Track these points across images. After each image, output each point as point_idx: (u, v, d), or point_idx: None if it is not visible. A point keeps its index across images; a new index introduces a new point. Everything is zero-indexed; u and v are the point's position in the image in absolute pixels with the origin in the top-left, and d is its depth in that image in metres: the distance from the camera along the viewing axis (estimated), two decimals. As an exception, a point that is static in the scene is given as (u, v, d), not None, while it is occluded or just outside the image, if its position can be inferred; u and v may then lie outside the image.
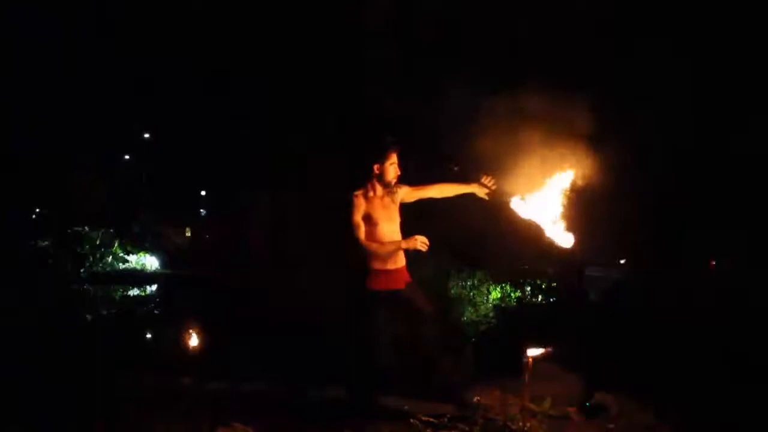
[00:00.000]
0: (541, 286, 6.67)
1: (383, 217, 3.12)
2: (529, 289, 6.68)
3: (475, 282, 6.72)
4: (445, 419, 2.87)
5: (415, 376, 3.15)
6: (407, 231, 3.19)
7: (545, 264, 6.80)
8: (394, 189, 3.16)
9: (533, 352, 2.82)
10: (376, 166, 3.08)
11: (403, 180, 3.19)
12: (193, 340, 3.28)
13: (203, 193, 12.56)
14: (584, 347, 3.82)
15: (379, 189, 3.13)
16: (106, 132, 10.75)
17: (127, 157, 12.86)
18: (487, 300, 6.44)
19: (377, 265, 3.12)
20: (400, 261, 3.18)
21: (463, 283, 6.75)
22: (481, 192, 3.20)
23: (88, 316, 6.22)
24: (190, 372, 3.24)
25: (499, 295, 6.55)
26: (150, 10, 8.62)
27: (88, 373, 3.45)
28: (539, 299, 6.54)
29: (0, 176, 9.46)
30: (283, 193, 8.36)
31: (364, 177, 3.12)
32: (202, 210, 12.65)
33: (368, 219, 3.12)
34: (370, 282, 3.11)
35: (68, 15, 8.72)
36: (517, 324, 5.67)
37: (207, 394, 3.15)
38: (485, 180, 3.17)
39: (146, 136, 12.68)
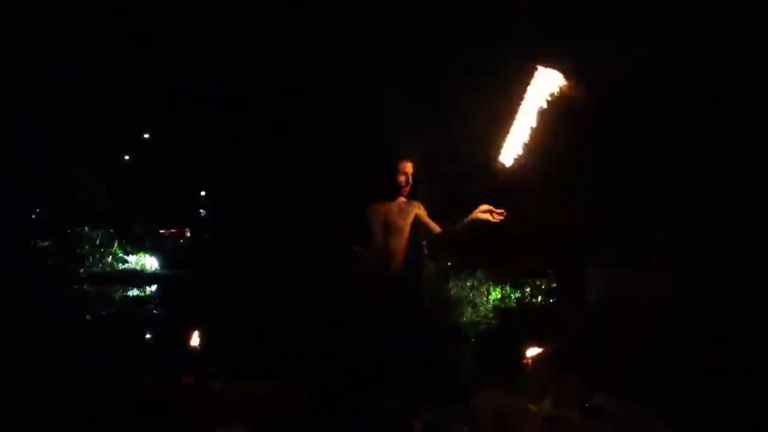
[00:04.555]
0: (541, 287, 6.67)
1: (381, 225, 3.18)
2: (528, 290, 6.68)
3: (475, 283, 6.72)
4: (445, 420, 2.87)
5: (416, 377, 3.15)
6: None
7: (545, 264, 6.80)
8: (408, 203, 3.22)
9: (533, 352, 2.83)
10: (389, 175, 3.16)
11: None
12: (193, 340, 3.28)
13: (203, 193, 12.56)
14: (584, 347, 3.83)
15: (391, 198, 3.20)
16: (106, 132, 10.75)
17: (127, 157, 12.85)
18: (487, 301, 6.44)
19: (377, 269, 3.16)
20: (399, 265, 3.22)
21: (463, 284, 6.75)
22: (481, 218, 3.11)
23: (88, 316, 6.22)
24: (190, 372, 3.24)
25: (498, 296, 6.55)
26: (150, 9, 8.63)
27: (88, 373, 3.45)
28: (539, 300, 6.54)
29: (0, 176, 9.47)
30: (284, 193, 8.37)
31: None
32: (202, 210, 12.65)
33: (369, 226, 3.17)
34: (367, 283, 3.13)
35: (68, 15, 8.72)
36: (517, 325, 5.68)
37: (207, 394, 3.15)
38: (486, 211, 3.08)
39: (146, 136, 12.68)
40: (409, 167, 3.23)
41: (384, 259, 3.21)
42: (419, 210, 3.30)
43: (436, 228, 3.29)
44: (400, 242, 3.24)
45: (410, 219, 3.27)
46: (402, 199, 3.26)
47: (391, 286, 3.21)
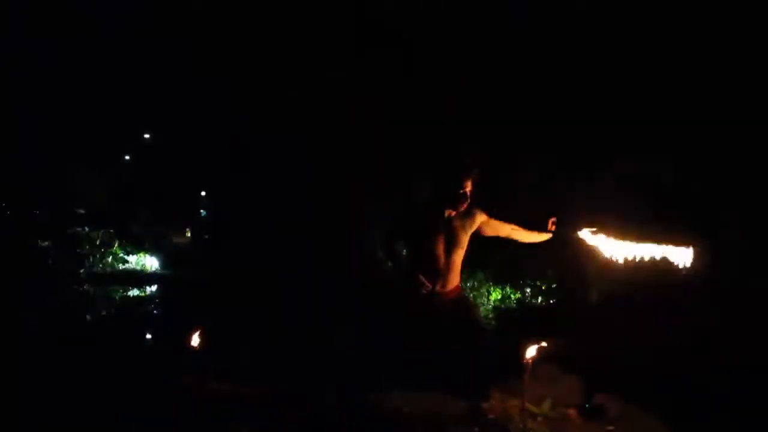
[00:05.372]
0: (541, 288, 6.66)
1: (441, 239, 3.20)
2: (529, 290, 6.67)
3: (475, 283, 6.72)
4: (444, 420, 2.87)
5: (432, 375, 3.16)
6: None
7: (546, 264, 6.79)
8: (471, 214, 3.23)
9: (532, 352, 2.83)
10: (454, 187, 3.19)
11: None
12: (194, 341, 3.27)
13: (203, 193, 12.57)
14: (584, 347, 3.83)
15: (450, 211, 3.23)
16: (106, 132, 10.76)
17: (127, 157, 12.87)
18: (488, 301, 6.44)
19: (419, 281, 3.19)
20: (452, 282, 3.25)
21: (463, 285, 6.74)
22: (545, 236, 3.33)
23: (88, 317, 6.22)
24: (190, 372, 3.24)
25: (499, 296, 6.54)
26: (150, 9, 8.64)
27: (88, 374, 3.45)
28: (539, 300, 6.53)
29: (0, 177, 9.47)
30: (284, 193, 8.37)
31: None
32: (202, 210, 12.66)
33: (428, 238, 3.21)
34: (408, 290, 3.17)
35: (68, 14, 8.73)
36: (517, 325, 5.67)
37: (207, 394, 3.15)
38: (551, 225, 3.30)
39: (146, 136, 12.69)
40: (469, 184, 3.20)
41: (443, 276, 3.21)
42: (482, 218, 3.28)
43: (516, 232, 3.32)
44: (460, 257, 3.25)
45: (468, 236, 3.25)
46: (462, 210, 3.24)
47: (446, 310, 3.20)
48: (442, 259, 3.20)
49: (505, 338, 4.80)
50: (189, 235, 11.96)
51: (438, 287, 3.21)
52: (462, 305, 3.31)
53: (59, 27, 8.84)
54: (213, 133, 9.85)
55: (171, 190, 11.72)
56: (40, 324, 5.17)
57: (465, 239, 3.24)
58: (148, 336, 5.41)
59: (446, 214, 3.23)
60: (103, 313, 6.54)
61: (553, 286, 6.55)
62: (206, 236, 11.38)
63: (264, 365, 3.74)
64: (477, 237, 3.38)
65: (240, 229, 9.41)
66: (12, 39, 8.60)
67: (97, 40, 9.09)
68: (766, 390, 3.27)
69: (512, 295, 6.58)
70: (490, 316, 6.02)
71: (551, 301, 6.42)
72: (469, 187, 3.19)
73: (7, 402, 2.98)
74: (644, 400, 3.18)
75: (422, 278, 3.18)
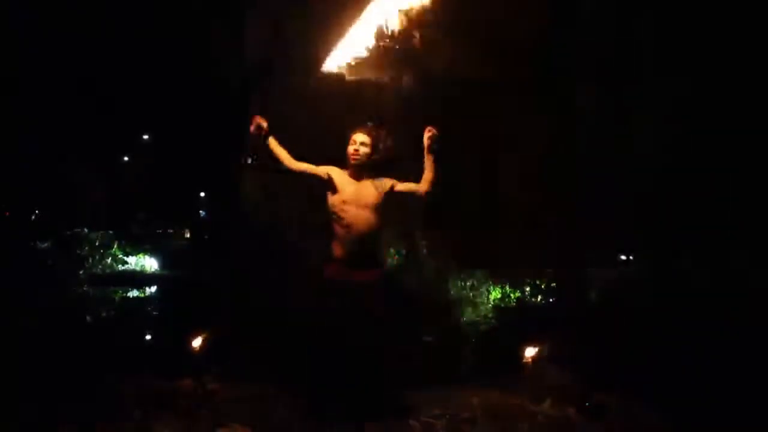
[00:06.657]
0: (541, 287, 6.67)
1: (351, 194, 3.01)
2: (528, 289, 6.68)
3: (475, 282, 6.72)
4: (445, 419, 2.87)
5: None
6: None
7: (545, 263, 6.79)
8: (380, 181, 3.02)
9: (532, 352, 2.83)
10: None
11: None
12: (193, 341, 3.27)
13: (202, 194, 12.56)
14: (584, 347, 3.83)
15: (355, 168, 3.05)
16: (105, 132, 10.74)
17: (126, 158, 12.85)
18: (487, 300, 6.44)
19: (337, 254, 3.00)
20: (366, 258, 2.98)
21: (463, 284, 6.75)
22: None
23: (88, 318, 6.21)
24: (190, 372, 3.24)
25: (499, 296, 6.55)
26: (150, 10, 8.62)
27: (88, 375, 3.45)
28: (539, 300, 6.54)
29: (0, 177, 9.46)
30: (282, 192, 8.36)
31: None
32: (201, 211, 12.65)
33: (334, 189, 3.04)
34: (326, 270, 3.01)
35: (67, 15, 8.71)
36: (517, 324, 5.67)
37: (207, 394, 3.15)
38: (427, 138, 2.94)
39: (145, 137, 12.68)
40: (361, 136, 3.03)
41: (353, 249, 2.93)
42: (393, 183, 3.01)
43: (418, 188, 2.98)
44: (373, 221, 2.96)
45: (382, 197, 2.98)
46: (370, 176, 3.02)
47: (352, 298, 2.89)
48: (349, 224, 2.93)
49: (506, 337, 4.81)
50: (188, 235, 11.95)
51: (348, 264, 2.93)
52: (375, 294, 2.96)
53: (59, 27, 8.82)
54: (213, 133, 9.83)
55: (171, 190, 11.71)
56: (40, 324, 5.16)
57: (376, 202, 2.96)
58: (148, 337, 5.41)
59: (347, 171, 3.03)
60: (103, 314, 6.53)
61: (553, 284, 6.57)
62: (206, 236, 11.37)
63: (264, 365, 3.74)
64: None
65: (238, 229, 9.39)
66: (12, 39, 8.58)
67: (97, 40, 9.08)
68: (764, 389, 3.27)
69: (512, 294, 6.58)
70: (490, 315, 6.03)
71: (551, 300, 6.43)
72: (361, 140, 3.00)
73: (7, 402, 2.98)
74: (645, 399, 3.18)
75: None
